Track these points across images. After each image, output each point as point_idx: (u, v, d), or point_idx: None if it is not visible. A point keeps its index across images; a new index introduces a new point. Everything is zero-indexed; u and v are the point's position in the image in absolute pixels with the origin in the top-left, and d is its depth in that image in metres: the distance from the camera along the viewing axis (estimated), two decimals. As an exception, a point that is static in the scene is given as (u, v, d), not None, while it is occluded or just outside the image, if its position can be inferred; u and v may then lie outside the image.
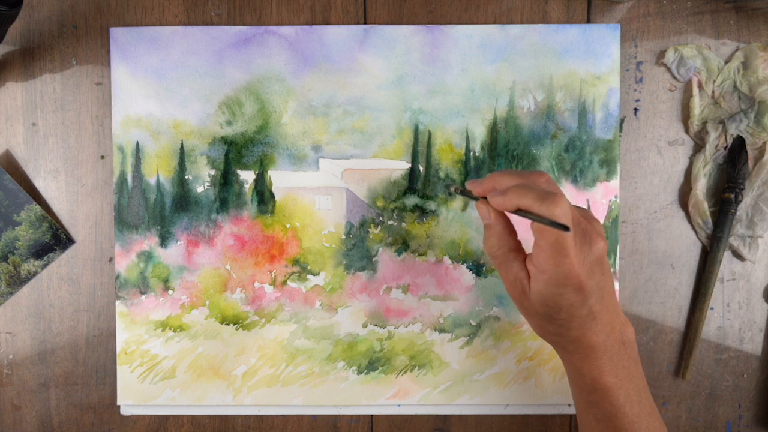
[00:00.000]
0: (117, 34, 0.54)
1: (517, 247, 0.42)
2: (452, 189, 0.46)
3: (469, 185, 0.44)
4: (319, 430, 0.56)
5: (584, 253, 0.39)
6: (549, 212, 0.37)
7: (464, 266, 0.55)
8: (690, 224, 0.56)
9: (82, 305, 0.56)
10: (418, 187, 0.55)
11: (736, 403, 0.56)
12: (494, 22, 0.55)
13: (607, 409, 0.42)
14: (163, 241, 0.55)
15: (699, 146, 0.55)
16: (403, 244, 0.55)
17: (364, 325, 0.55)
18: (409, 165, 0.55)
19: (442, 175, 0.55)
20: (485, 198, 0.43)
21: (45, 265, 0.55)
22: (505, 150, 0.55)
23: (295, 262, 0.55)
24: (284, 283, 0.55)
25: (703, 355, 0.56)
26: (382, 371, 0.55)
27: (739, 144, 0.54)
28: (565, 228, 0.36)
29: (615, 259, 0.55)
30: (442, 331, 0.55)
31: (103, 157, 0.55)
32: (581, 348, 0.41)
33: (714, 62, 0.54)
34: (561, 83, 0.54)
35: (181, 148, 0.55)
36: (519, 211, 0.39)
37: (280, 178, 0.55)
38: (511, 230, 0.42)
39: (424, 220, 0.55)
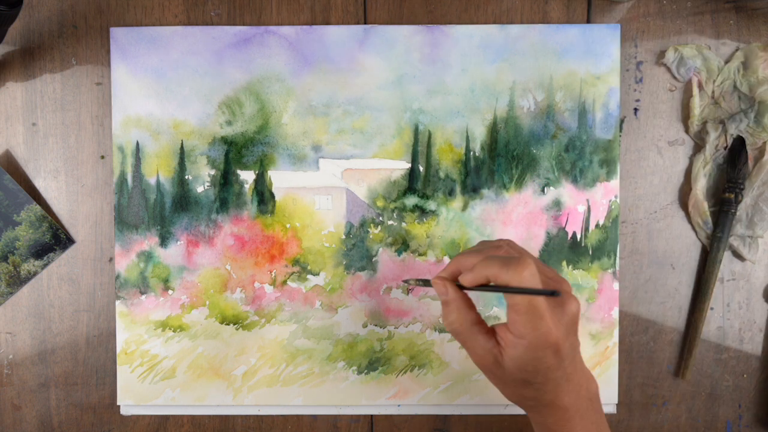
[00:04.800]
0: (117, 34, 0.54)
1: (479, 320, 0.42)
2: (411, 284, 0.47)
3: (435, 279, 0.43)
4: (319, 430, 0.56)
5: (558, 314, 0.39)
6: (517, 277, 0.37)
7: (464, 266, 0.55)
8: (690, 224, 0.56)
9: (82, 305, 0.56)
10: (418, 187, 0.55)
11: (736, 403, 0.56)
12: (494, 22, 0.55)
13: None
14: (163, 241, 0.55)
15: (699, 146, 0.55)
16: (403, 244, 0.55)
17: (364, 325, 0.55)
18: (409, 165, 0.55)
19: (442, 175, 0.55)
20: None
21: (45, 265, 0.55)
22: (505, 150, 0.55)
23: (295, 262, 0.55)
24: (284, 283, 0.55)
25: (703, 355, 0.56)
26: (382, 371, 0.55)
27: (739, 144, 0.54)
28: (553, 293, 0.36)
29: (615, 259, 0.55)
30: (442, 331, 0.55)
31: (103, 157, 0.55)
32: (555, 410, 0.42)
33: (714, 62, 0.54)
34: (561, 83, 0.54)
35: (181, 148, 0.55)
36: (497, 288, 0.39)
37: (280, 178, 0.55)
38: (470, 305, 0.42)
39: (424, 220, 0.55)
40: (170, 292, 0.55)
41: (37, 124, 0.55)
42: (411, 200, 0.55)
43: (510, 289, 0.38)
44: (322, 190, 0.55)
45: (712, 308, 0.56)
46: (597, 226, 0.55)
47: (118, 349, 0.55)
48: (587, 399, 0.43)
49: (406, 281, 0.48)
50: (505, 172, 0.55)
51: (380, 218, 0.55)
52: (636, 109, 0.55)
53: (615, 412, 0.56)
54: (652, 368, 0.56)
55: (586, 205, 0.55)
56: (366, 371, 0.55)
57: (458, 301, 0.42)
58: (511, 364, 0.40)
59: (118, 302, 0.55)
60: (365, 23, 0.55)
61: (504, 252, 0.42)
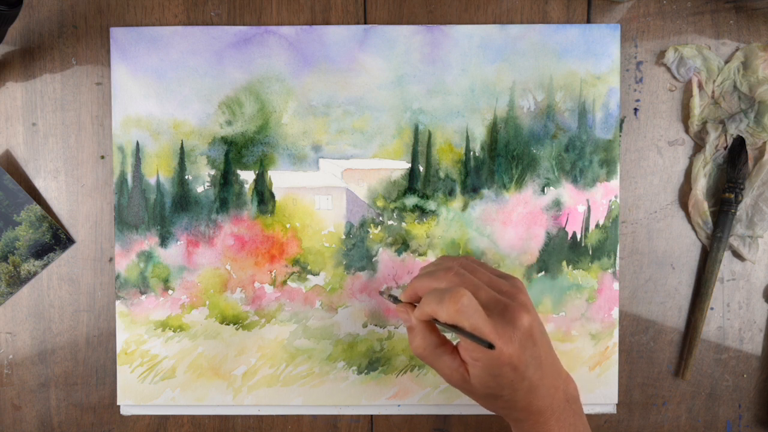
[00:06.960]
0: (117, 34, 0.54)
1: (442, 342, 0.43)
2: (384, 296, 0.47)
3: (398, 307, 0.44)
4: (319, 430, 0.56)
5: (508, 332, 0.39)
6: (452, 311, 0.38)
7: (464, 266, 0.55)
8: (690, 224, 0.56)
9: (82, 305, 0.56)
10: (418, 187, 0.55)
11: (736, 403, 0.56)
12: (494, 22, 0.55)
13: None
14: (163, 241, 0.55)
15: (699, 146, 0.55)
16: (403, 244, 0.55)
17: (364, 325, 0.55)
18: (409, 165, 0.55)
19: (442, 175, 0.55)
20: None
21: (45, 265, 0.55)
22: (505, 150, 0.55)
23: (295, 262, 0.55)
24: (284, 283, 0.55)
25: (703, 355, 0.56)
26: (382, 371, 0.55)
27: (739, 144, 0.54)
28: (489, 346, 0.37)
29: (615, 259, 0.55)
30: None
31: (103, 157, 0.55)
32: (530, 415, 0.42)
33: (714, 62, 0.54)
34: (561, 83, 0.54)
35: (181, 148, 0.55)
36: (443, 324, 0.40)
37: (280, 178, 0.55)
38: (432, 328, 0.43)
39: (424, 220, 0.55)
40: (170, 292, 0.55)
41: (37, 124, 0.55)
42: (411, 200, 0.55)
43: (452, 328, 0.39)
44: (322, 190, 0.55)
45: (712, 308, 0.56)
46: (597, 226, 0.55)
47: (118, 349, 0.55)
48: (564, 400, 0.43)
49: (381, 292, 0.49)
50: (505, 172, 0.55)
51: (380, 218, 0.55)
52: (636, 109, 0.55)
53: (615, 412, 0.56)
54: (652, 368, 0.56)
55: (586, 205, 0.55)
56: (366, 371, 0.55)
57: (420, 326, 0.42)
58: (475, 381, 0.41)
59: (118, 302, 0.55)
60: (365, 23, 0.55)
61: (452, 274, 0.42)
